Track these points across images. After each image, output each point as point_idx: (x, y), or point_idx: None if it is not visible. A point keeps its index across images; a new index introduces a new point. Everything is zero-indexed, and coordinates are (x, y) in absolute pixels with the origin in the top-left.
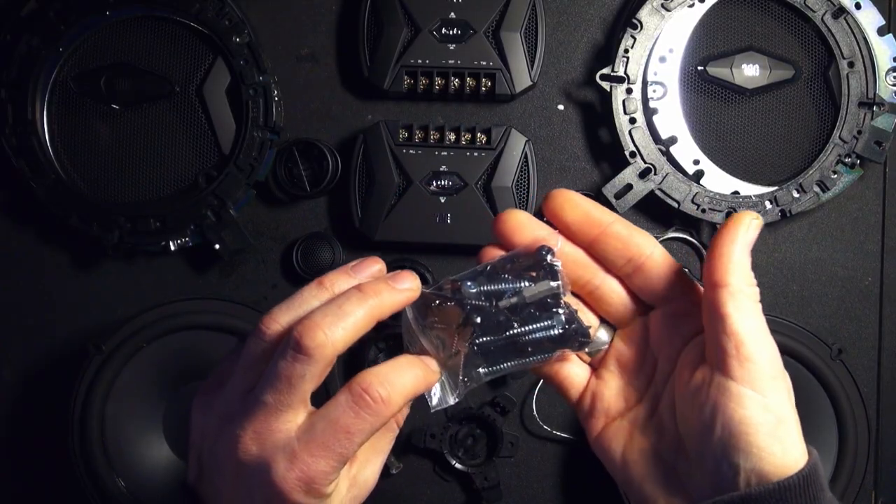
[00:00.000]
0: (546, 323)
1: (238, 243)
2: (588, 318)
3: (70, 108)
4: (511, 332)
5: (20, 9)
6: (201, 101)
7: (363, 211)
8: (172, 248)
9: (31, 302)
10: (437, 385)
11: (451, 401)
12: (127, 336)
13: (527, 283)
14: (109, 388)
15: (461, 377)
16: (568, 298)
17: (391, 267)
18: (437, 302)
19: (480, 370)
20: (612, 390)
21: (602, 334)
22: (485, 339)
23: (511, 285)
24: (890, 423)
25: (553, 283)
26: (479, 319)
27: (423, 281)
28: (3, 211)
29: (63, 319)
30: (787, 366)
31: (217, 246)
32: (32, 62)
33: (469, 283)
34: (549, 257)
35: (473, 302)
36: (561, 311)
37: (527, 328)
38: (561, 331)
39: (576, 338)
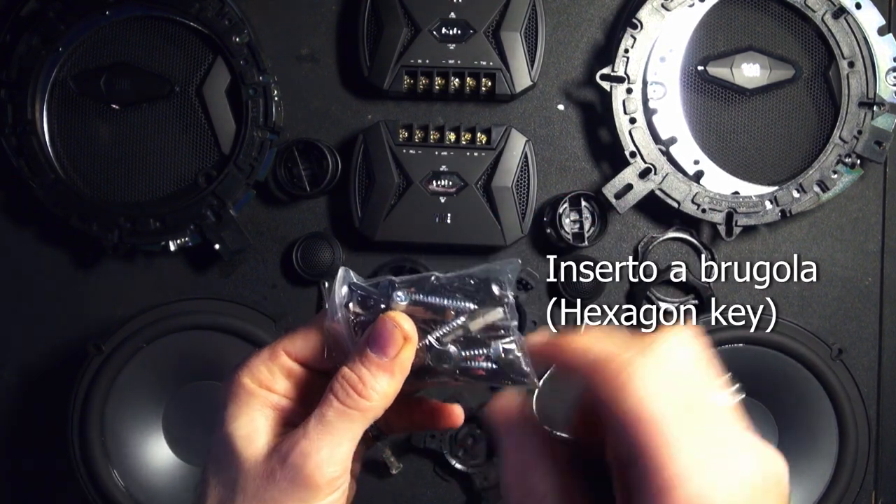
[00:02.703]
0: (480, 352)
1: (238, 243)
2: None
3: (70, 108)
4: (436, 352)
5: (20, 9)
6: (201, 101)
7: (363, 211)
8: (172, 248)
9: (31, 302)
10: None
11: None
12: (127, 336)
13: (471, 306)
14: (109, 388)
15: None
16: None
17: (391, 267)
18: (365, 299)
19: None
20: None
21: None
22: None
23: (454, 303)
24: (890, 423)
25: (500, 311)
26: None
27: None
28: (3, 211)
29: (63, 319)
30: (787, 366)
31: (217, 246)
32: (32, 62)
33: (399, 295)
34: (503, 287)
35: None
36: (501, 343)
37: (456, 351)
38: (494, 366)
39: (509, 377)
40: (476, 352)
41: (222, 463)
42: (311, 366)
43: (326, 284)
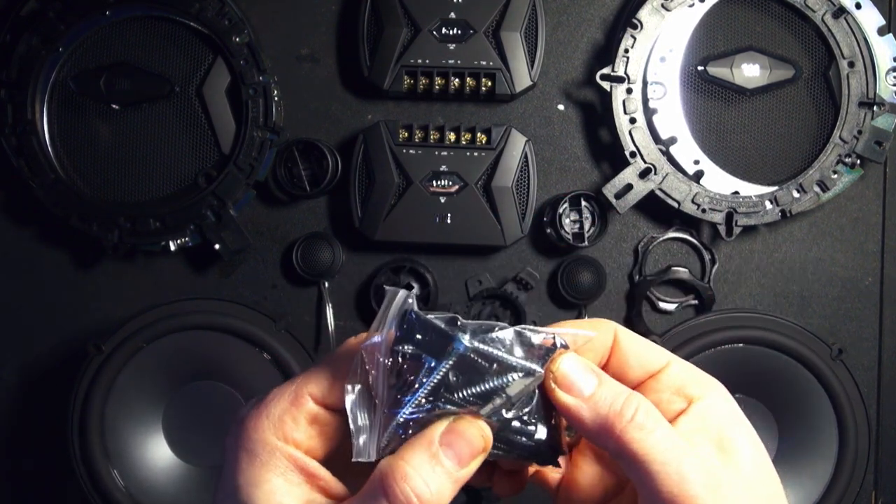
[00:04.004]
0: (518, 426)
1: (238, 243)
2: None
3: (70, 108)
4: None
5: (20, 9)
6: (201, 101)
7: (363, 211)
8: (172, 248)
9: (31, 302)
10: (366, 435)
11: (373, 457)
12: (127, 336)
13: (513, 378)
14: (109, 388)
15: (384, 440)
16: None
17: (391, 267)
18: (424, 330)
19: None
20: (587, 477)
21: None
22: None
23: (493, 382)
24: (890, 423)
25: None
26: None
27: (423, 282)
28: (3, 211)
29: (63, 319)
30: (787, 366)
31: (217, 246)
32: (32, 62)
33: (464, 339)
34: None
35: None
36: (542, 424)
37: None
38: (532, 444)
39: (546, 455)
40: (517, 433)
41: None
42: (337, 407)
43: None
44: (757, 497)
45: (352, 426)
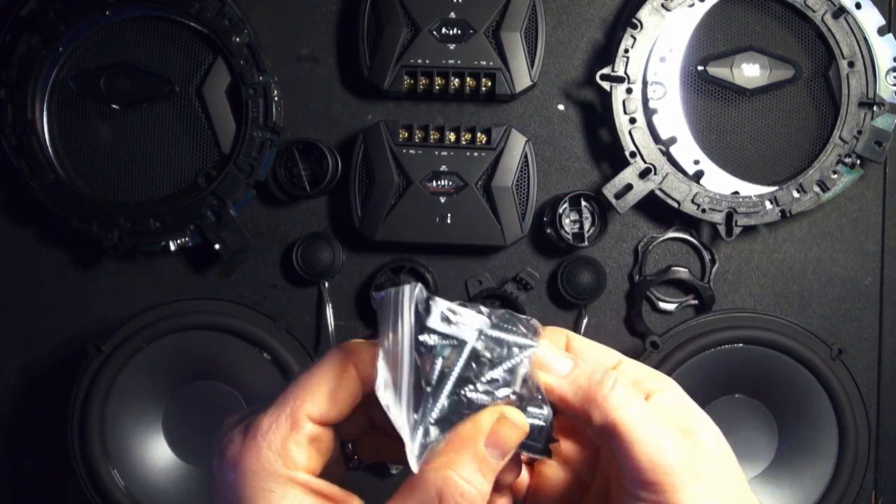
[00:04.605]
0: (532, 410)
1: (238, 243)
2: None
3: (70, 108)
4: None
5: (20, 9)
6: (201, 101)
7: (363, 211)
8: (172, 248)
9: (31, 302)
10: (409, 439)
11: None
12: (127, 336)
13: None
14: (109, 388)
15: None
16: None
17: (391, 267)
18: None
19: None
20: (553, 483)
21: None
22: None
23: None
24: (890, 423)
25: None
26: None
27: (423, 282)
28: (3, 211)
29: (63, 319)
30: (787, 366)
31: (217, 246)
32: (32, 62)
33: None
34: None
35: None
36: (541, 413)
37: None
38: (544, 425)
39: (542, 444)
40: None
41: None
42: (333, 423)
43: (378, 295)
44: (724, 475)
45: (405, 436)
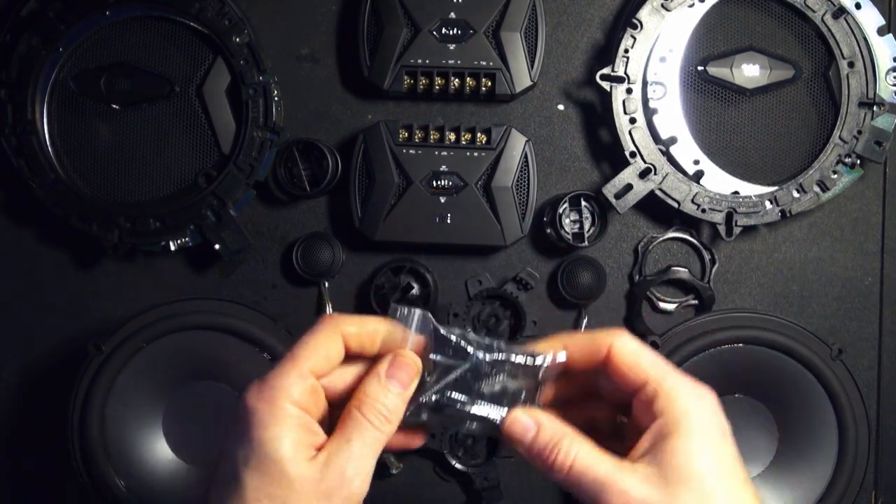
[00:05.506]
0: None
1: (238, 243)
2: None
3: (70, 108)
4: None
5: (20, 9)
6: (201, 101)
7: (363, 211)
8: (172, 248)
9: (31, 302)
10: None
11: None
12: (127, 336)
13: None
14: (109, 388)
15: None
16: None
17: (391, 267)
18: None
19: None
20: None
21: None
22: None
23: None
24: (890, 423)
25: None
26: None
27: (423, 282)
28: (3, 211)
29: (63, 319)
30: (787, 366)
31: (217, 246)
32: (32, 62)
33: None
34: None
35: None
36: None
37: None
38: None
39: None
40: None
41: (267, 479)
42: (326, 375)
43: (393, 306)
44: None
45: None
